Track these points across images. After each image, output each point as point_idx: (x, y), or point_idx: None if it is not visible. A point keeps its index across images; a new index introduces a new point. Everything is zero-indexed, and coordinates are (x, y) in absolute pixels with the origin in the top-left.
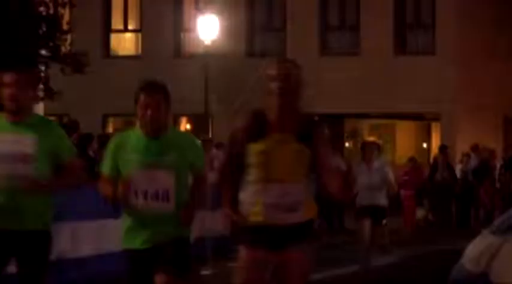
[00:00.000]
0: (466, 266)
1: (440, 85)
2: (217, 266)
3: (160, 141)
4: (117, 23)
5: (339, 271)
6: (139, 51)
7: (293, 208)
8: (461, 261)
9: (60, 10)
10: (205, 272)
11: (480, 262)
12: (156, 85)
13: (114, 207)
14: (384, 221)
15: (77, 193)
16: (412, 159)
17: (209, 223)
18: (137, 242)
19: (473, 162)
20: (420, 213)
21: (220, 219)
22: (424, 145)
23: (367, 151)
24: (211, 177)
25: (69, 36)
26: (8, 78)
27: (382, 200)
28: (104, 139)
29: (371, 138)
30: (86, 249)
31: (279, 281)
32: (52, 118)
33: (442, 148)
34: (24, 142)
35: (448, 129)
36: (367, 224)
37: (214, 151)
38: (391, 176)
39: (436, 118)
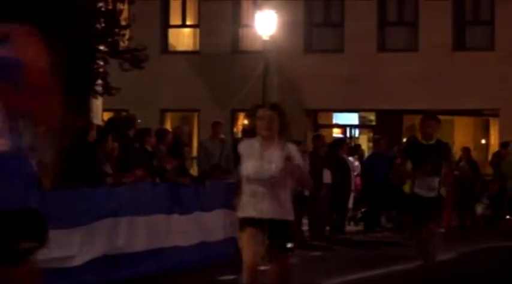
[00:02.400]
0: None
1: (499, 81)
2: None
3: None
4: (175, 18)
5: (401, 267)
6: (197, 46)
7: None
8: None
9: (119, 5)
10: (262, 267)
11: None
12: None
13: None
14: (289, 245)
15: (133, 188)
16: None
17: None
18: None
19: None
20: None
21: None
22: (483, 141)
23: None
24: None
25: (127, 32)
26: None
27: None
28: (162, 134)
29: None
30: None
31: None
32: (110, 113)
33: (504, 145)
34: None
35: (506, 125)
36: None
37: None
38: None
39: (495, 114)
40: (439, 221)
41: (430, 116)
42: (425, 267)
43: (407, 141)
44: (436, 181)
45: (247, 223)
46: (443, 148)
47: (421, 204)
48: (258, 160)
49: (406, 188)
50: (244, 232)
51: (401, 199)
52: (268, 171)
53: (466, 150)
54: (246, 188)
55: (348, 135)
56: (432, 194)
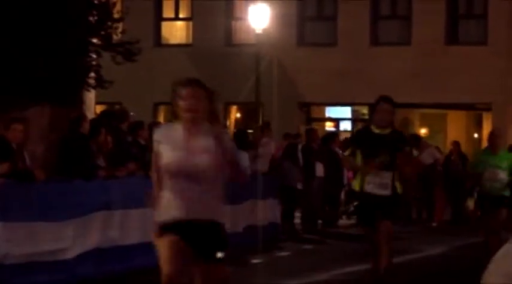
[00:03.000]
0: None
1: (492, 76)
2: (267, 255)
3: None
4: (168, 11)
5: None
6: (190, 39)
7: None
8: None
9: None
10: (255, 260)
11: None
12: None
13: None
14: (220, 255)
15: (126, 182)
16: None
17: (260, 211)
18: None
19: None
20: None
21: (270, 208)
22: (475, 135)
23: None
24: (261, 165)
25: (120, 25)
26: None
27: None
28: (155, 127)
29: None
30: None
31: None
32: (103, 106)
33: None
34: None
35: (499, 119)
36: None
37: (264, 139)
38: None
39: (488, 108)
40: (392, 222)
41: (384, 99)
42: (378, 270)
43: (357, 129)
44: (389, 177)
45: (166, 229)
46: (398, 138)
47: (372, 203)
48: (183, 149)
49: (356, 184)
50: (162, 241)
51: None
52: (198, 164)
53: (456, 144)
54: (166, 184)
55: (350, 128)
56: (385, 192)
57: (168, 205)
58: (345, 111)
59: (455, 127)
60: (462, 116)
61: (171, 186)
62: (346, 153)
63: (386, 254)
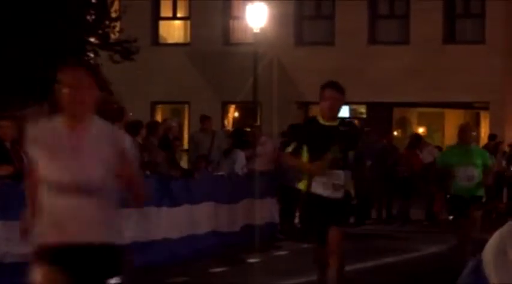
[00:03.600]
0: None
1: (490, 74)
2: (265, 254)
3: None
4: (166, 10)
5: (391, 260)
6: (188, 38)
7: None
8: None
9: None
10: (252, 260)
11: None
12: None
13: None
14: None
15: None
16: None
17: (257, 210)
18: None
19: None
20: None
21: (268, 207)
22: (473, 134)
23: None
24: (259, 164)
25: (118, 24)
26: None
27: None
28: (153, 126)
29: None
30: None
31: None
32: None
33: (492, 137)
34: None
35: (496, 118)
36: None
37: (262, 138)
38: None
39: (485, 107)
40: (343, 227)
41: (332, 85)
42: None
43: (303, 122)
44: (342, 177)
45: (44, 255)
46: (352, 131)
47: (321, 206)
48: (71, 157)
49: (302, 184)
50: (38, 273)
51: (296, 199)
52: (91, 178)
53: None
54: (47, 200)
55: None
56: (338, 194)
57: (47, 224)
58: (343, 110)
59: (453, 126)
60: (460, 115)
61: (50, 201)
62: (289, 149)
63: (336, 264)
